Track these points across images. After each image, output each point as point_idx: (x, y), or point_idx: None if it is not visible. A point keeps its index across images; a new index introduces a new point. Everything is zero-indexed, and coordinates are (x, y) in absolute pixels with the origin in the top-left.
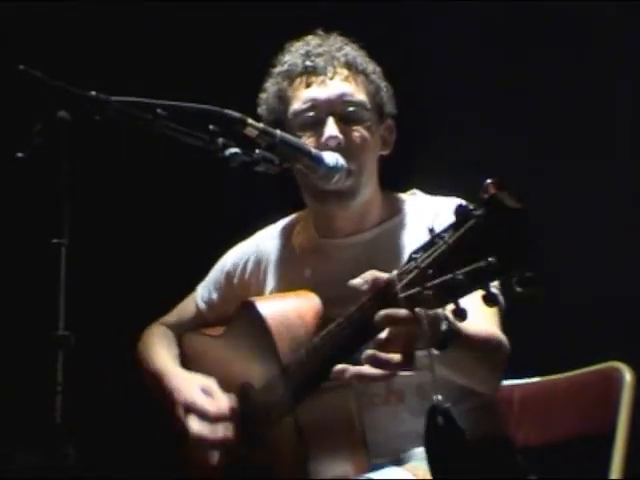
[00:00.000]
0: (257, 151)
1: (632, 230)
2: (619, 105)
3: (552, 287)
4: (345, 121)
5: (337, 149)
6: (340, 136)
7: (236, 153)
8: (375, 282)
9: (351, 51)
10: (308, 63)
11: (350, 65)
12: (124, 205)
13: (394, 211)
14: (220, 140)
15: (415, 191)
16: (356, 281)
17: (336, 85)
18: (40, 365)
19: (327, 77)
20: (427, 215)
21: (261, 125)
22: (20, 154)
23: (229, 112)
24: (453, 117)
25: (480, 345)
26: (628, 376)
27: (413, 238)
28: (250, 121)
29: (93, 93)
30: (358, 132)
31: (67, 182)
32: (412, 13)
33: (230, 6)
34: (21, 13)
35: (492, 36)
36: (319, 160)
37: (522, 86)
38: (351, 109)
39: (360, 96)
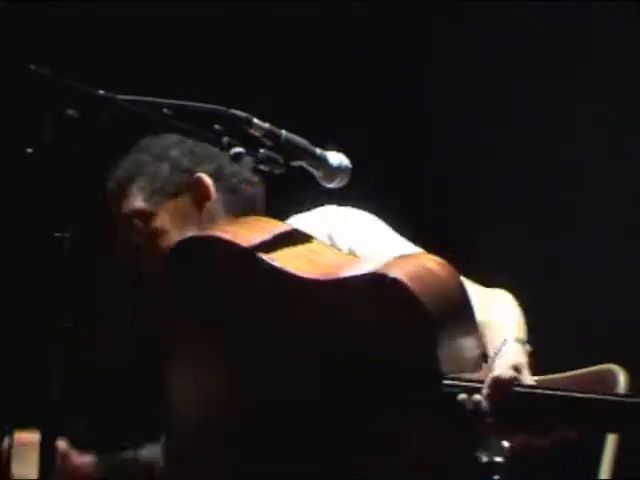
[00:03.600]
0: (261, 150)
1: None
2: None
3: (550, 287)
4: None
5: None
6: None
7: (241, 152)
8: None
9: (124, 164)
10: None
11: (119, 182)
12: None
13: None
14: (225, 139)
15: None
16: None
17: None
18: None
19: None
20: None
21: (267, 125)
22: (30, 149)
23: (235, 112)
24: None
25: None
26: (622, 378)
27: None
28: (256, 121)
29: (101, 92)
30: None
31: (74, 177)
32: None
33: (237, 6)
34: (29, 12)
35: None
36: (323, 160)
37: None
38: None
39: (131, 204)
